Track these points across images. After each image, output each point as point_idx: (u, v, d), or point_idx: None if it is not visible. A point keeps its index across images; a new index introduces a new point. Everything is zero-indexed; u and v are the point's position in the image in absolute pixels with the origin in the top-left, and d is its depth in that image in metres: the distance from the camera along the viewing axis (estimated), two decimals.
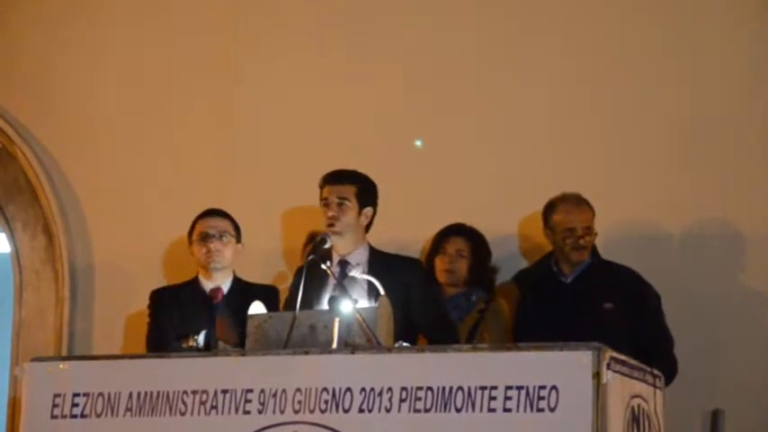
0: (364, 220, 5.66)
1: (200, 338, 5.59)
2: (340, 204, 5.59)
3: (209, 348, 5.39)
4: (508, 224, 6.69)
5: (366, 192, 5.65)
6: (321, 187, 5.66)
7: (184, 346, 5.41)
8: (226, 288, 6.03)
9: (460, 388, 4.54)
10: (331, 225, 5.57)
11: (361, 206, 5.63)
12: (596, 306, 5.86)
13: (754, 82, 6.53)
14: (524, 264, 6.59)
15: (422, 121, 6.93)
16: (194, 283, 6.08)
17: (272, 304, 5.50)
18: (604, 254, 6.15)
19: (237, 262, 6.12)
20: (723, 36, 6.57)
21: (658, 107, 6.61)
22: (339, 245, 5.61)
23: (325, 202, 5.62)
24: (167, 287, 6.30)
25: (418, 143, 6.92)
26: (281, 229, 7.04)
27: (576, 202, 6.04)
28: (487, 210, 6.61)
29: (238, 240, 6.08)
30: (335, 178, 5.65)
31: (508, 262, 6.59)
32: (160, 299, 6.09)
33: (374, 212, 5.70)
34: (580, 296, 5.93)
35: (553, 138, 6.73)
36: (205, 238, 6.00)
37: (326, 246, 5.52)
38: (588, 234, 5.99)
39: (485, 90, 6.86)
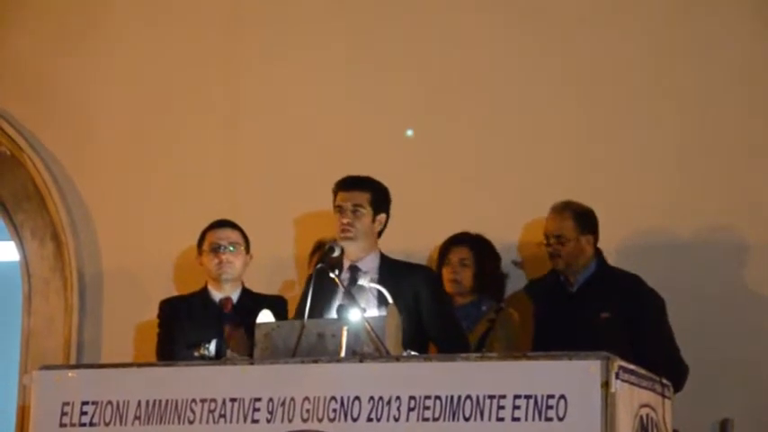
0: (378, 227, 5.65)
1: (212, 347, 5.58)
2: (354, 211, 5.58)
3: (221, 357, 5.39)
4: (513, 231, 6.69)
5: (380, 198, 5.64)
6: (335, 193, 5.65)
7: (196, 354, 5.40)
8: (235, 298, 6.05)
9: (469, 397, 4.53)
10: (345, 231, 5.55)
11: (375, 213, 5.62)
12: (595, 315, 5.84)
13: (762, 84, 6.53)
14: (524, 273, 6.60)
15: (427, 129, 6.92)
16: (204, 293, 6.09)
17: (280, 314, 5.50)
18: (613, 261, 6.13)
19: (246, 272, 6.12)
20: (730, 41, 6.56)
21: (664, 113, 6.60)
22: (351, 251, 5.59)
23: (339, 209, 5.60)
24: (177, 297, 6.31)
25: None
26: (291, 237, 7.04)
27: (559, 209, 6.01)
28: (493, 217, 6.61)
29: (248, 251, 6.09)
30: (350, 184, 5.64)
31: (511, 271, 6.59)
32: (170, 309, 6.09)
33: (387, 219, 5.69)
34: (582, 305, 5.92)
35: (559, 144, 6.72)
36: (216, 249, 6.01)
37: (335, 254, 5.51)
38: (560, 243, 5.94)
39: (490, 97, 6.86)
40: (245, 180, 7.20)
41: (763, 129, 6.51)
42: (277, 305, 5.75)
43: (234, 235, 6.06)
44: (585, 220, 5.99)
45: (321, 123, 7.09)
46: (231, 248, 6.02)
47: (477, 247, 6.38)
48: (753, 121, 6.51)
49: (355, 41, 7.11)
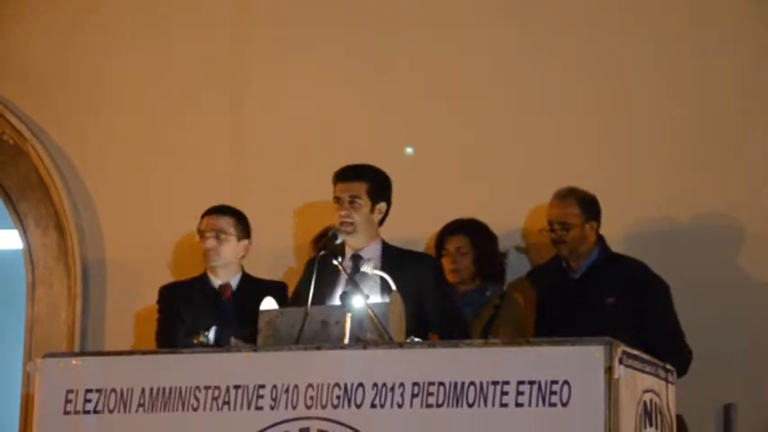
0: (377, 216, 5.65)
1: (210, 334, 5.58)
2: (351, 202, 5.58)
3: (219, 344, 5.39)
4: (515, 218, 6.68)
5: (378, 187, 5.64)
6: (334, 184, 5.65)
7: (194, 342, 5.41)
8: (235, 284, 6.04)
9: (472, 383, 4.54)
10: (343, 224, 5.55)
11: (374, 202, 5.62)
12: (600, 300, 5.84)
13: (759, 78, 6.52)
14: (528, 259, 6.59)
15: (428, 117, 6.93)
16: (203, 278, 6.09)
17: (281, 300, 5.50)
18: (614, 249, 6.12)
19: (246, 258, 6.11)
20: (728, 35, 6.57)
21: (664, 102, 6.61)
22: (352, 240, 5.59)
23: (336, 200, 5.61)
24: (176, 283, 6.31)
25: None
26: (291, 226, 7.04)
27: (562, 195, 6.00)
28: (495, 204, 6.61)
29: (243, 237, 6.06)
30: (347, 175, 5.63)
31: (514, 257, 6.58)
32: (170, 294, 6.10)
33: (388, 207, 5.68)
34: (585, 291, 5.91)
35: (559, 134, 6.73)
36: (202, 236, 6.01)
37: (338, 241, 5.51)
38: (564, 229, 5.92)
39: (491, 85, 6.86)
40: (247, 169, 7.20)
41: (762, 117, 6.51)
42: (278, 290, 5.75)
43: (221, 222, 6.01)
44: (590, 206, 5.99)
45: (322, 113, 7.09)
46: (216, 235, 5.99)
47: (473, 232, 6.36)
48: (751, 110, 6.51)
49: (356, 36, 7.11)
